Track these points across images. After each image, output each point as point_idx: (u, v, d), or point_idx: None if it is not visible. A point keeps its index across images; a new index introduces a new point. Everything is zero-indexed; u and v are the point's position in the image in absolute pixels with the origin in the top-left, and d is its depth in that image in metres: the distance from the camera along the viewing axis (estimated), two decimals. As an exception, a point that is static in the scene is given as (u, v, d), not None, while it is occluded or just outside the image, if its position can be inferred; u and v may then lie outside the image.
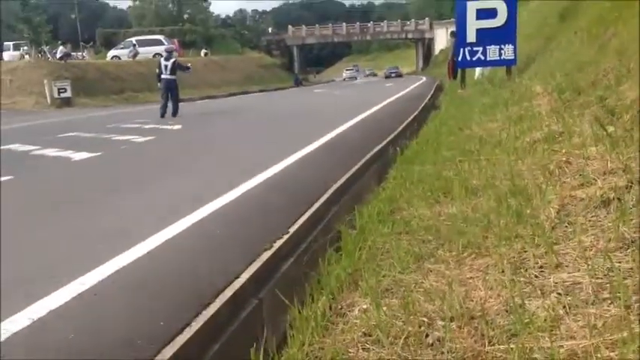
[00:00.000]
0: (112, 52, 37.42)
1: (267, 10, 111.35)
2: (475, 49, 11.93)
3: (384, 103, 15.44)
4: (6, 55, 32.17)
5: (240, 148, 8.40)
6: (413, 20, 64.37)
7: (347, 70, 64.67)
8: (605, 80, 5.33)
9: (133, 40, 37.49)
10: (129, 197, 5.27)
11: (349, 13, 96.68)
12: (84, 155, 8.02)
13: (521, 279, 2.36)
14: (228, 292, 2.73)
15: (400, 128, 8.40)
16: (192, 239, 3.75)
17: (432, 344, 2.06)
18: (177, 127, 12.02)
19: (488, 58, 12.01)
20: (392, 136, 7.59)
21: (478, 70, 14.38)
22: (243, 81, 39.14)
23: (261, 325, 2.67)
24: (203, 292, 2.76)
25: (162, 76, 14.43)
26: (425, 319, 2.20)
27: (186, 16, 56.52)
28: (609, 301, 2.02)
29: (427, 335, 2.11)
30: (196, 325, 2.44)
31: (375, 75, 63.89)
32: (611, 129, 3.63)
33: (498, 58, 11.91)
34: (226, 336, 2.52)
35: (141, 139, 9.81)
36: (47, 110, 21.69)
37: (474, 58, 12.06)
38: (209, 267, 3.22)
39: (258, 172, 5.69)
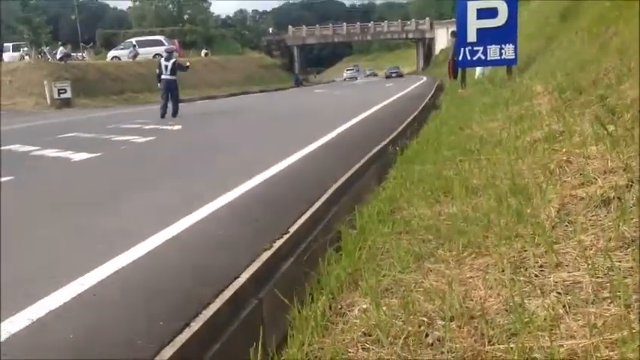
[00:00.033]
0: (112, 53, 37.43)
1: (268, 10, 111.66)
2: (476, 48, 11.92)
3: (385, 102, 15.44)
4: (5, 56, 32.17)
5: (241, 148, 8.40)
6: (413, 20, 64.38)
7: (347, 70, 64.69)
8: (606, 79, 5.32)
9: (133, 40, 37.53)
10: (129, 198, 5.27)
11: (350, 13, 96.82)
12: (84, 156, 8.02)
13: (521, 278, 2.35)
14: (228, 292, 2.72)
15: (401, 128, 8.40)
16: (192, 239, 3.75)
17: (432, 344, 2.05)
18: (178, 127, 12.02)
19: (488, 58, 12.00)
20: (392, 135, 7.59)
21: (479, 69, 14.38)
22: (244, 81, 39.15)
23: (261, 325, 2.67)
24: (203, 293, 2.75)
25: (163, 77, 14.43)
26: (425, 319, 2.20)
27: (186, 16, 56.65)
28: (609, 301, 2.02)
29: (427, 335, 2.11)
30: (196, 325, 2.43)
31: (375, 75, 63.86)
32: (611, 128, 3.62)
33: (499, 57, 11.91)
34: (226, 336, 2.52)
35: (141, 140, 9.81)
36: (47, 111, 21.71)
37: (475, 58, 12.05)
38: (209, 267, 3.21)
39: (258, 173, 5.69)
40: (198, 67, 33.00)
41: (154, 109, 15.93)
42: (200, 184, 5.63)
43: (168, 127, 11.99)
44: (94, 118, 16.70)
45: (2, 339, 2.41)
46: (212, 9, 73.98)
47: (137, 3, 62.15)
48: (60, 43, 34.54)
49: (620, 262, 2.24)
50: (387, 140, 7.13)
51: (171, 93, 14.45)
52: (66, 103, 23.16)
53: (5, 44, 34.90)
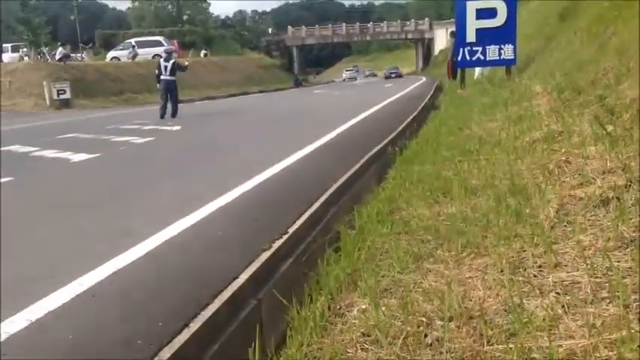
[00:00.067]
0: (111, 54, 37.40)
1: (267, 10, 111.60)
2: (475, 48, 11.92)
3: (384, 103, 15.45)
4: (5, 57, 32.18)
5: (240, 148, 8.40)
6: (413, 20, 64.36)
7: (347, 70, 64.66)
8: (605, 79, 5.32)
9: (133, 41, 37.50)
10: (128, 198, 5.27)
11: (349, 14, 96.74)
12: (83, 156, 8.02)
13: (520, 278, 2.35)
14: (227, 293, 2.72)
15: (400, 128, 8.40)
16: (191, 240, 3.75)
17: (431, 344, 2.05)
18: (177, 128, 12.02)
19: (487, 58, 12.01)
20: (392, 136, 7.59)
21: (478, 70, 14.38)
22: (243, 82, 39.15)
23: (259, 325, 2.67)
24: (202, 293, 2.75)
25: (162, 77, 14.43)
26: (424, 319, 2.20)
27: (185, 17, 56.66)
28: (608, 301, 2.02)
29: (426, 335, 2.10)
30: (195, 326, 2.43)
31: (374, 75, 63.89)
32: (610, 128, 3.62)
33: (498, 57, 11.91)
34: (225, 337, 2.52)
35: (140, 140, 9.80)
36: (46, 112, 21.72)
37: (474, 58, 12.06)
38: (208, 267, 3.21)
39: (257, 173, 5.69)
40: (197, 67, 33.01)
41: (153, 110, 15.94)
42: (199, 184, 5.63)
43: (168, 128, 11.99)
44: (93, 119, 16.70)
45: (2, 339, 2.41)
46: (211, 9, 74.25)
47: (136, 3, 62.23)
48: (59, 43, 34.54)
49: (619, 262, 2.24)
50: (387, 140, 7.13)
51: (171, 93, 14.46)
52: (65, 104, 23.15)
53: (4, 45, 34.90)
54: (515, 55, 11.81)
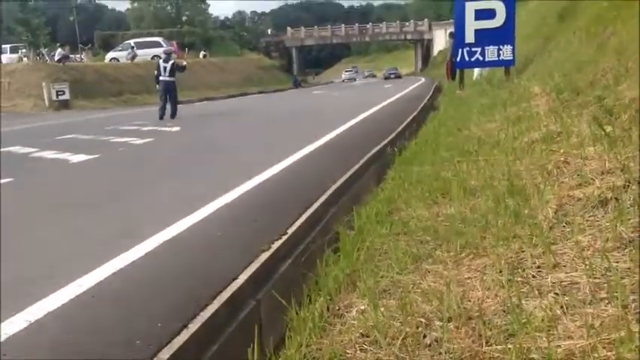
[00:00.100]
0: (110, 54, 37.37)
1: (266, 11, 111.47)
2: (474, 49, 11.92)
3: (383, 104, 15.45)
4: (4, 58, 32.16)
5: (239, 149, 8.40)
6: (412, 21, 64.37)
7: (346, 71, 64.65)
8: (604, 80, 5.33)
9: (132, 42, 37.46)
10: (127, 199, 5.27)
11: (348, 15, 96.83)
12: (82, 157, 8.01)
13: (519, 279, 2.36)
14: (226, 294, 2.72)
15: (399, 129, 8.41)
16: (191, 241, 3.75)
17: (430, 345, 2.05)
18: (176, 128, 12.02)
19: (486, 59, 12.00)
20: (391, 136, 7.60)
21: (476, 70, 14.38)
22: (242, 83, 39.13)
23: (258, 326, 2.67)
24: (201, 294, 2.75)
25: (161, 78, 14.44)
26: (422, 320, 2.20)
27: (184, 17, 56.58)
28: (607, 301, 2.02)
29: (425, 336, 2.11)
30: (194, 326, 2.43)
31: (374, 76, 63.89)
32: (609, 129, 3.62)
33: (497, 58, 11.91)
34: (224, 337, 2.52)
35: (139, 141, 9.80)
36: (45, 113, 21.68)
37: (473, 59, 12.05)
38: (207, 268, 3.21)
39: (256, 174, 5.69)
40: (196, 68, 33.03)
41: (152, 111, 15.93)
42: (199, 185, 5.63)
43: (167, 129, 11.98)
44: (93, 120, 16.69)
45: (2, 339, 2.41)
46: (210, 10, 74.13)
47: (135, 4, 62.17)
48: (58, 44, 34.47)
49: (617, 262, 2.25)
50: (386, 141, 7.14)
51: (170, 94, 14.46)
52: (64, 105, 23.13)
53: (3, 46, 34.88)
54: (513, 56, 11.82)
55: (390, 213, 3.99)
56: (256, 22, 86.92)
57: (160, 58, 15.91)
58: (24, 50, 33.00)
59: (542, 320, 1.98)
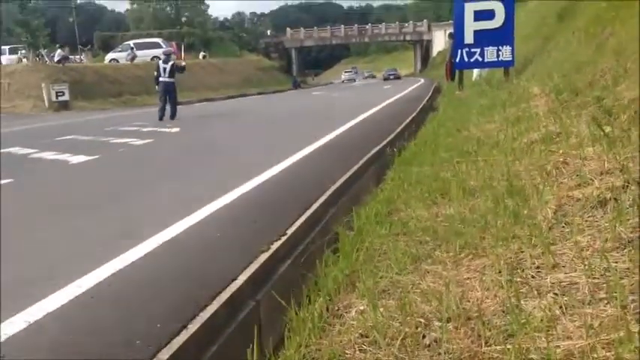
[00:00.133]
0: (109, 55, 37.35)
1: (266, 12, 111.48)
2: (473, 50, 11.93)
3: (383, 104, 15.45)
4: (3, 59, 32.15)
5: (239, 150, 8.40)
6: (411, 22, 64.39)
7: (345, 72, 64.67)
8: (603, 81, 5.33)
9: (131, 43, 37.44)
10: (127, 200, 5.27)
11: (347, 16, 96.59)
12: (82, 158, 8.02)
13: (518, 279, 2.36)
14: (225, 294, 2.72)
15: (398, 130, 8.42)
16: (190, 241, 3.75)
17: (429, 345, 2.05)
18: (176, 129, 12.02)
19: (485, 60, 12.00)
20: (390, 137, 7.60)
21: (476, 71, 14.39)
22: (242, 84, 39.14)
23: (258, 326, 2.67)
24: (200, 294, 2.75)
25: (161, 79, 14.43)
26: (422, 320, 2.20)
27: (184, 18, 56.54)
28: (606, 301, 2.02)
29: (424, 336, 2.11)
30: (193, 327, 2.43)
31: (373, 77, 63.89)
32: (608, 129, 3.62)
33: (496, 59, 11.91)
34: (223, 338, 2.52)
35: (139, 142, 9.80)
36: (45, 113, 21.68)
37: (472, 60, 12.06)
38: (206, 269, 3.22)
39: (256, 175, 5.69)
40: (196, 69, 33.03)
41: (152, 112, 15.93)
42: (198, 186, 5.63)
43: (167, 130, 11.98)
44: (92, 121, 16.69)
45: (2, 340, 2.41)
46: (210, 11, 74.04)
47: (135, 5, 62.16)
48: (58, 45, 34.50)
49: (616, 262, 2.25)
50: (385, 142, 7.14)
51: (170, 95, 14.46)
52: (64, 106, 23.13)
53: (3, 47, 34.87)
54: (513, 57, 11.82)
55: (390, 213, 3.99)
56: (255, 23, 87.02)
57: (160, 59, 15.91)
58: (23, 51, 32.98)
59: (542, 320, 1.98)
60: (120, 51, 36.97)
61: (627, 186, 2.81)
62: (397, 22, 65.50)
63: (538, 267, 2.44)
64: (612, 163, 3.16)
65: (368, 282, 2.68)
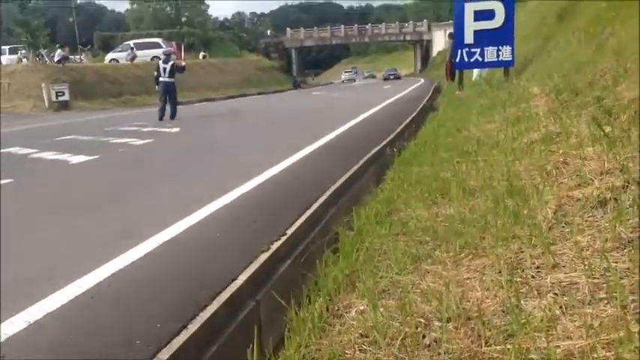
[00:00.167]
0: (109, 55, 37.34)
1: (266, 12, 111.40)
2: (473, 50, 11.93)
3: (383, 104, 15.45)
4: (3, 59, 32.14)
5: (239, 150, 8.40)
6: (411, 22, 64.38)
7: (345, 72, 64.65)
8: (602, 81, 5.33)
9: (131, 43, 37.43)
10: (127, 200, 5.27)
11: (347, 16, 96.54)
12: (82, 158, 8.02)
13: (518, 279, 2.36)
14: (225, 294, 2.72)
15: (398, 130, 8.42)
16: (190, 241, 3.75)
17: (429, 345, 2.05)
18: (176, 129, 12.02)
19: (485, 60, 12.00)
20: (390, 137, 7.60)
21: (476, 71, 14.39)
22: (242, 84, 39.13)
23: (258, 326, 2.67)
24: (200, 294, 2.75)
25: (161, 79, 14.43)
26: (422, 320, 2.20)
27: (184, 18, 56.53)
28: (606, 301, 2.02)
29: (424, 336, 2.11)
30: (193, 327, 2.43)
31: (373, 77, 63.89)
32: (608, 129, 3.62)
33: (496, 59, 11.91)
34: (223, 338, 2.52)
35: (139, 142, 9.80)
36: (45, 114, 21.68)
37: (472, 60, 12.06)
38: (206, 269, 3.22)
39: (256, 175, 5.69)
40: (196, 69, 33.03)
41: (152, 112, 15.93)
42: (198, 186, 5.63)
43: (167, 130, 11.98)
44: (92, 121, 16.69)
45: (2, 340, 2.41)
46: (210, 11, 74.03)
47: (135, 5, 62.16)
48: (58, 45, 34.49)
49: (616, 262, 2.25)
50: (385, 142, 7.14)
51: (170, 95, 14.46)
52: (64, 106, 23.12)
53: (3, 47, 34.86)
54: (513, 57, 11.82)
55: (390, 213, 3.99)
56: (255, 23, 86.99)
57: (160, 59, 15.91)
58: (23, 51, 32.98)
59: (542, 320, 1.98)
60: (120, 51, 36.96)
61: (627, 186, 2.81)
62: (397, 22, 65.50)
63: (538, 267, 2.44)
64: (612, 163, 3.16)
65: (368, 282, 2.68)
